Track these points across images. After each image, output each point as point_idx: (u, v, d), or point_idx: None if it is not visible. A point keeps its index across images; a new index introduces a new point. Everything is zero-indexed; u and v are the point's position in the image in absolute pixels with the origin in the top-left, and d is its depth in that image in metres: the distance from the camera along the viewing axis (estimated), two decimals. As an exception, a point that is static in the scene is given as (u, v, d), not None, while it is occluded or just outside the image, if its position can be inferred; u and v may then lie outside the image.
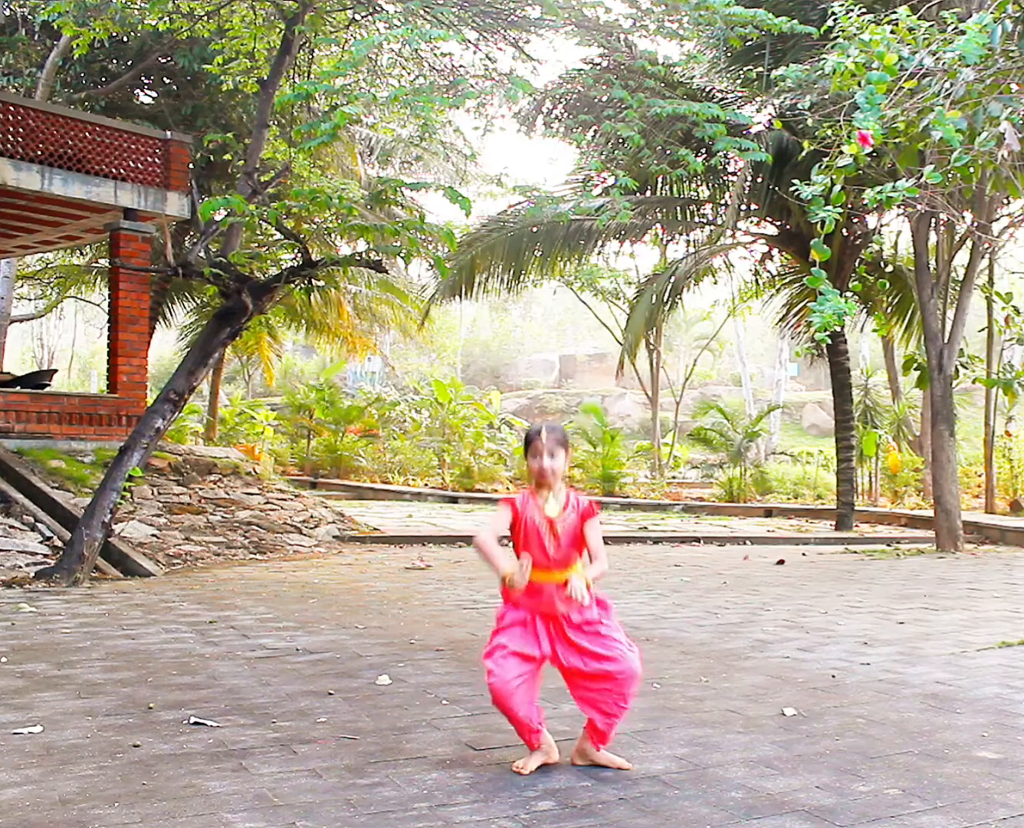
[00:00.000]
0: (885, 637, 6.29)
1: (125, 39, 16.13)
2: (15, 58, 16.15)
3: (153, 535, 10.15)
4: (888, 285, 15.67)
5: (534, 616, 3.53)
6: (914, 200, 8.94)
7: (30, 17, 15.98)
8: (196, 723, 4.07)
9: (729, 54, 14.03)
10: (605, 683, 3.49)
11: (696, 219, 16.96)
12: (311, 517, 12.17)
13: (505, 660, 3.46)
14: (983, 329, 17.01)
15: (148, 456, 9.46)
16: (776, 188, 14.65)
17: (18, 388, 12.81)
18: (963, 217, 12.33)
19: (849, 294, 15.27)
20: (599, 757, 3.58)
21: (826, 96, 9.88)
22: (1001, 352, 17.29)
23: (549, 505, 3.53)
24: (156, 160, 12.44)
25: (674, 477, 25.50)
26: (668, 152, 11.32)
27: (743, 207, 15.44)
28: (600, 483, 20.98)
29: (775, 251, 17.44)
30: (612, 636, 3.52)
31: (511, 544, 3.64)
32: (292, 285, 9.57)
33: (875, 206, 7.65)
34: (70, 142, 11.69)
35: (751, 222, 16.86)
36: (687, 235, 17.39)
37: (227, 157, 16.07)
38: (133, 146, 12.27)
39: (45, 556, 9.05)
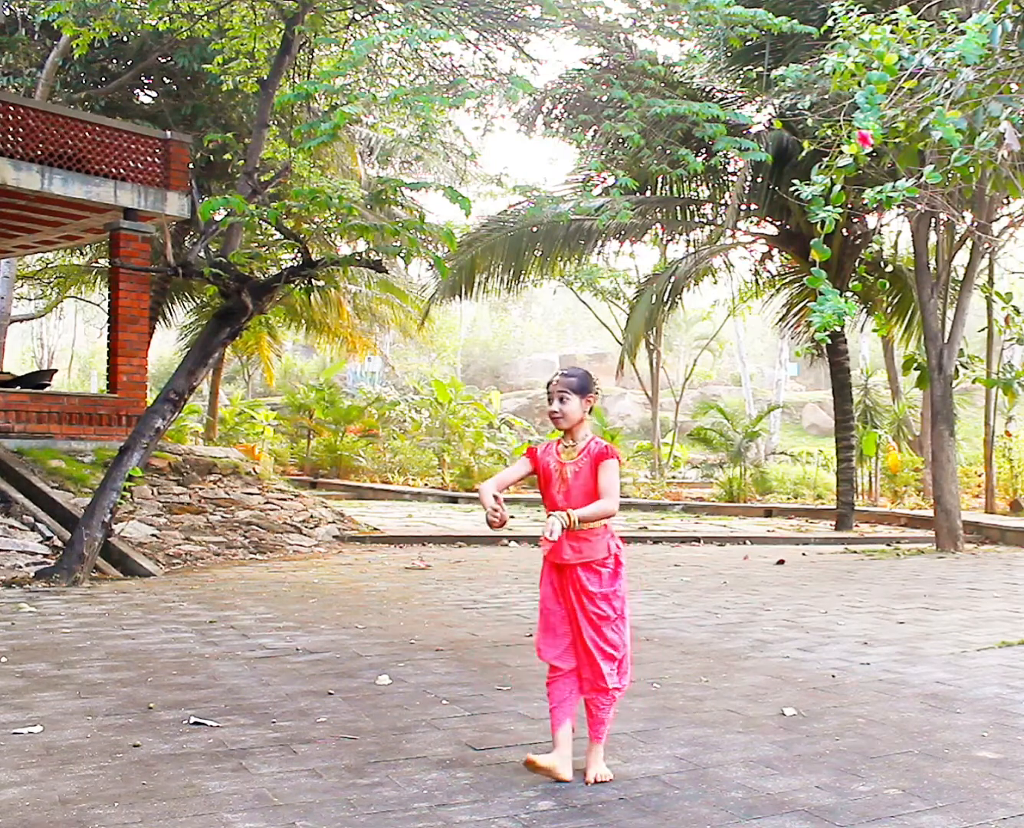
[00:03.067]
0: (885, 637, 6.29)
1: (125, 39, 16.12)
2: (15, 58, 16.14)
3: (153, 535, 10.15)
4: (888, 285, 15.67)
5: (550, 569, 3.56)
6: (914, 200, 8.94)
7: (30, 17, 15.98)
8: (196, 723, 4.07)
9: (729, 54, 14.02)
10: (590, 670, 3.50)
11: (696, 219, 16.96)
12: (311, 517, 12.17)
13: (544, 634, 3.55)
14: (983, 329, 17.01)
15: (148, 456, 9.46)
16: (776, 188, 14.65)
17: (18, 388, 12.81)
18: (963, 217, 12.33)
19: (849, 294, 15.26)
20: (592, 761, 3.48)
21: (826, 96, 9.88)
22: (1001, 352, 17.30)
23: (565, 451, 3.54)
24: (156, 160, 12.43)
25: (674, 477, 25.49)
26: (668, 152, 11.31)
27: (743, 207, 15.43)
28: (600, 483, 20.93)
29: (775, 251, 17.44)
30: (611, 640, 3.50)
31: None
32: (292, 285, 9.57)
33: (875, 206, 7.64)
34: (70, 142, 11.69)
35: (751, 222, 16.86)
36: (687, 235, 17.39)
37: (227, 157, 16.07)
38: (133, 146, 12.26)
39: (45, 556, 9.04)
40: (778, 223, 16.21)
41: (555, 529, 3.32)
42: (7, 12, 16.02)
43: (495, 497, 3.38)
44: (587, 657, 3.49)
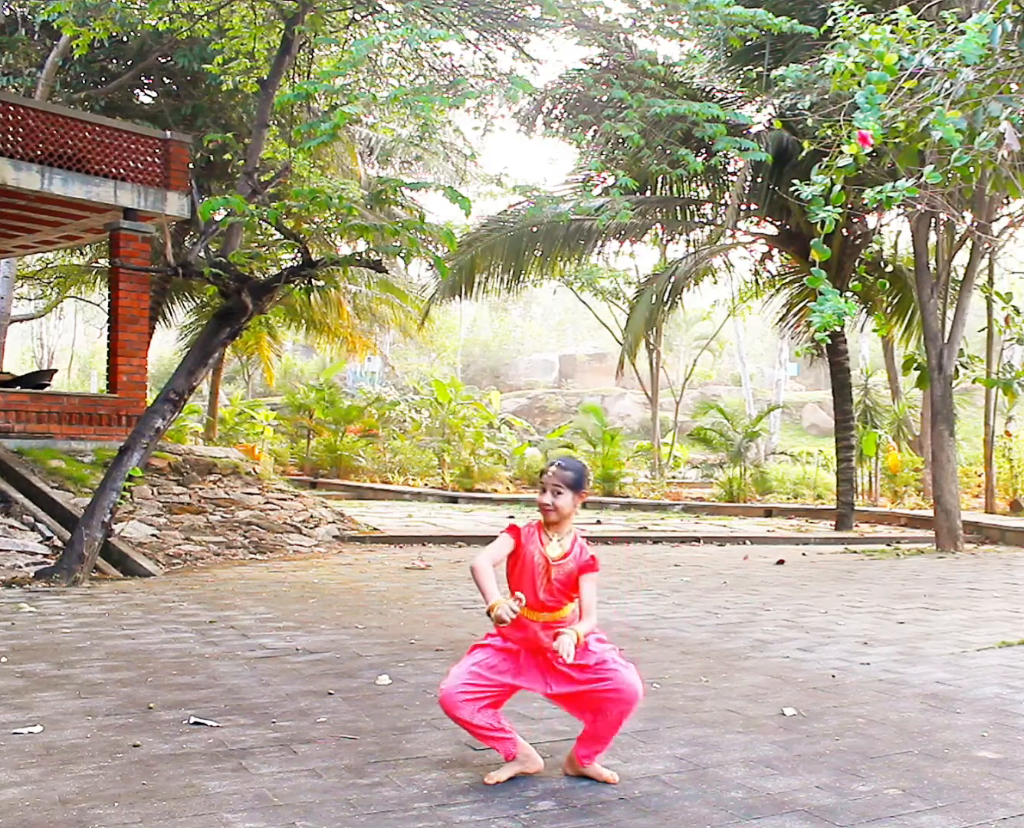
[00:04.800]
0: (885, 637, 6.29)
1: (125, 39, 16.13)
2: (15, 58, 16.15)
3: (153, 535, 10.15)
4: (888, 285, 15.67)
5: (520, 650, 3.43)
6: (914, 200, 8.94)
7: (30, 17, 15.98)
8: (196, 723, 4.07)
9: (729, 54, 14.03)
10: (604, 701, 3.36)
11: (696, 219, 16.96)
12: (311, 517, 12.17)
13: (462, 672, 3.36)
14: (983, 329, 17.01)
15: (148, 456, 9.46)
16: (776, 188, 14.65)
17: (18, 388, 12.81)
18: (963, 217, 12.33)
19: (849, 294, 15.27)
20: (588, 770, 3.46)
21: (826, 96, 9.88)
22: (1001, 352, 17.30)
23: (551, 546, 3.40)
24: (156, 160, 12.43)
25: (674, 477, 25.50)
26: (668, 152, 11.32)
27: (743, 207, 15.43)
28: (600, 483, 20.99)
29: (775, 251, 17.44)
30: (603, 659, 3.37)
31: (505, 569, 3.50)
32: (292, 285, 9.56)
33: (875, 206, 7.65)
34: (70, 142, 11.69)
35: (751, 222, 16.86)
36: (687, 235, 17.40)
37: (227, 157, 16.07)
38: (133, 146, 12.27)
39: (45, 556, 9.05)
40: (778, 223, 16.21)
41: (571, 651, 3.23)
42: (7, 12, 16.02)
43: (518, 599, 3.31)
44: (600, 701, 3.38)
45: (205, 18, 13.03)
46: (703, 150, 14.05)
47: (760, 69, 12.41)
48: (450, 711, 3.36)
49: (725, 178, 16.16)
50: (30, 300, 28.44)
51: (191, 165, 13.16)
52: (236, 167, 15.65)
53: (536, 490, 3.52)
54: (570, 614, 3.42)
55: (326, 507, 13.12)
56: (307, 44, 12.36)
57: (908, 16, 7.52)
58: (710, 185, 16.53)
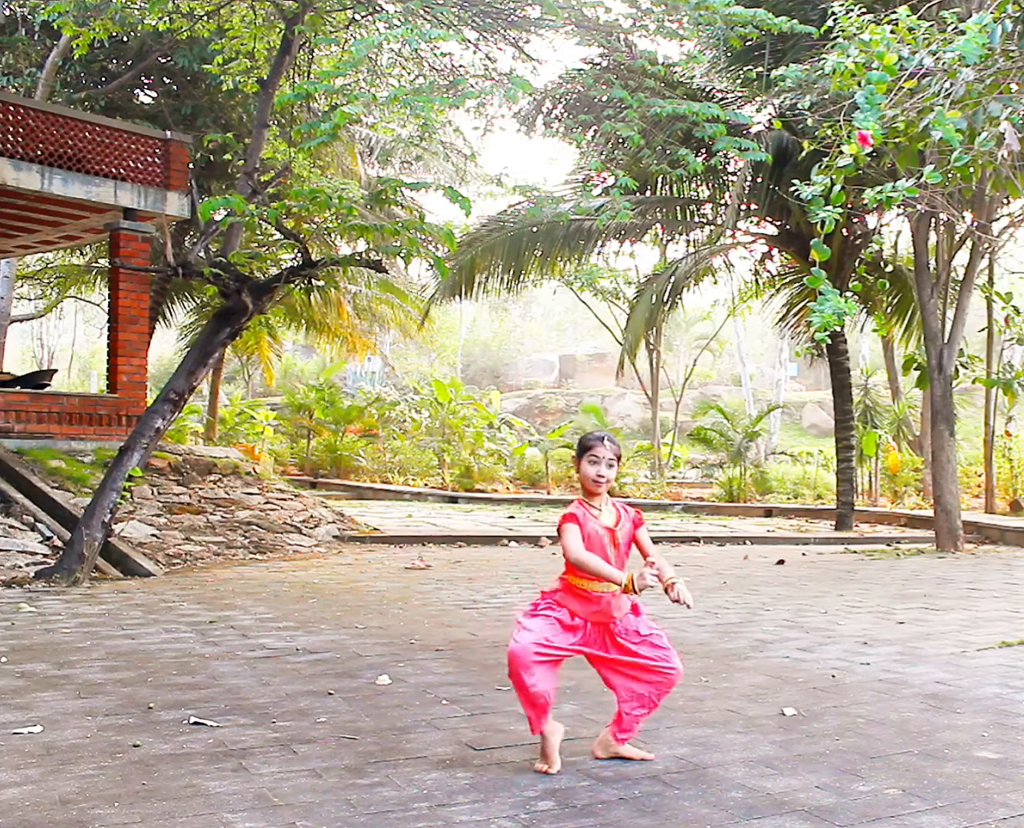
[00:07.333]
0: (885, 637, 6.29)
1: (125, 39, 16.13)
2: (15, 58, 16.15)
3: (153, 535, 10.15)
4: (888, 285, 15.66)
5: (585, 622, 3.59)
6: (914, 200, 8.95)
7: (30, 17, 15.98)
8: (196, 723, 4.07)
9: (729, 54, 14.04)
10: (653, 676, 3.58)
11: (696, 219, 16.96)
12: (311, 517, 12.17)
13: (535, 636, 3.49)
14: (983, 329, 17.02)
15: (148, 456, 9.46)
16: (776, 188, 14.65)
17: (18, 388, 12.81)
18: (963, 217, 12.33)
19: (849, 294, 15.27)
20: (622, 750, 3.64)
21: (826, 96, 9.88)
22: (1001, 352, 17.30)
23: (604, 516, 3.59)
24: (156, 160, 12.43)
25: (674, 477, 25.49)
26: (668, 152, 11.32)
27: (743, 207, 15.43)
28: (600, 483, 20.92)
29: (775, 251, 17.44)
30: (657, 640, 3.61)
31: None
32: (292, 285, 9.57)
33: (875, 206, 7.65)
34: (70, 142, 11.69)
35: (751, 222, 16.86)
36: (687, 235, 17.39)
37: (227, 157, 16.06)
38: (133, 146, 12.27)
39: (45, 556, 9.04)
40: (778, 223, 16.21)
41: (690, 598, 3.52)
42: (7, 12, 16.03)
43: (651, 562, 3.50)
44: (646, 676, 3.60)
45: (205, 18, 13.03)
46: (703, 150, 14.05)
47: (760, 69, 12.41)
48: (518, 669, 3.46)
49: (725, 178, 16.16)
50: (30, 300, 28.44)
51: (191, 165, 13.16)
52: (236, 167, 15.64)
53: (576, 472, 3.70)
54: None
55: (326, 507, 13.12)
56: (307, 44, 12.37)
57: (908, 16, 7.52)
58: (710, 185, 16.53)
